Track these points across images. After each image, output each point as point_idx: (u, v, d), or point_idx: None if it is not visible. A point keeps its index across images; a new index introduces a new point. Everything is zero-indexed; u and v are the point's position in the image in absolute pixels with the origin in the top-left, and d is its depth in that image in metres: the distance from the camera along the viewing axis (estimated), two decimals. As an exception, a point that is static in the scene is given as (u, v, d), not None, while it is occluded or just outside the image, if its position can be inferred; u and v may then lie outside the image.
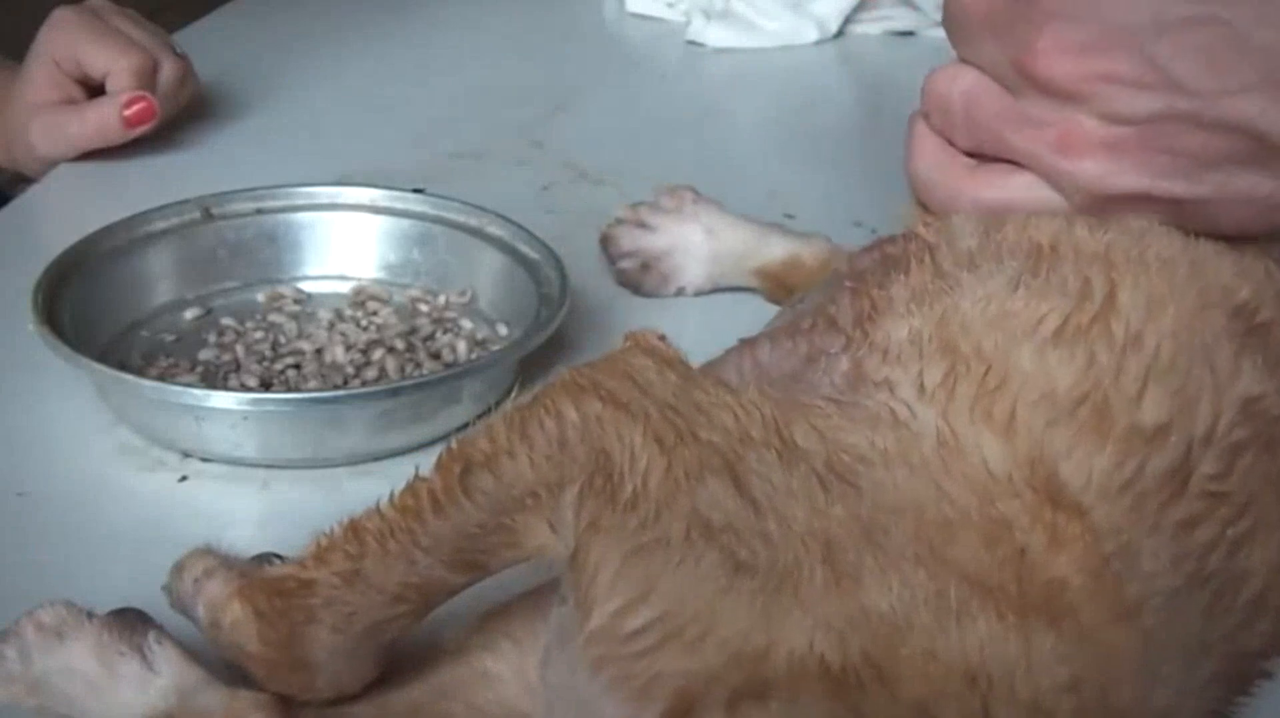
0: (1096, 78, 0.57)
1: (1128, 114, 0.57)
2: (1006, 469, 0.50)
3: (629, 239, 0.88)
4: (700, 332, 0.62)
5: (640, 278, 0.88)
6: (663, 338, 0.54)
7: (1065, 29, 0.57)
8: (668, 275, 0.87)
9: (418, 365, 0.79)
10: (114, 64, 1.00)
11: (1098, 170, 0.59)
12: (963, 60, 0.63)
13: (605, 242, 0.89)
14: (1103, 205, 0.60)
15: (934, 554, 0.47)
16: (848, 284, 0.60)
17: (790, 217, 0.92)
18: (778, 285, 0.85)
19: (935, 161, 0.64)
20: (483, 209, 0.85)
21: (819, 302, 0.61)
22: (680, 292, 0.88)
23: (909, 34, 1.35)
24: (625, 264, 0.88)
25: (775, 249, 0.86)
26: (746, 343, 0.62)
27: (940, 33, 1.41)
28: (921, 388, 0.53)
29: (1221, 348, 0.55)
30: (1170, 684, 0.50)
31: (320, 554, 0.52)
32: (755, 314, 0.78)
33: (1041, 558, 0.48)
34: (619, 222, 0.89)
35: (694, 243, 0.87)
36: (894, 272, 0.59)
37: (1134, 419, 0.52)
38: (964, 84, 0.62)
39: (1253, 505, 0.53)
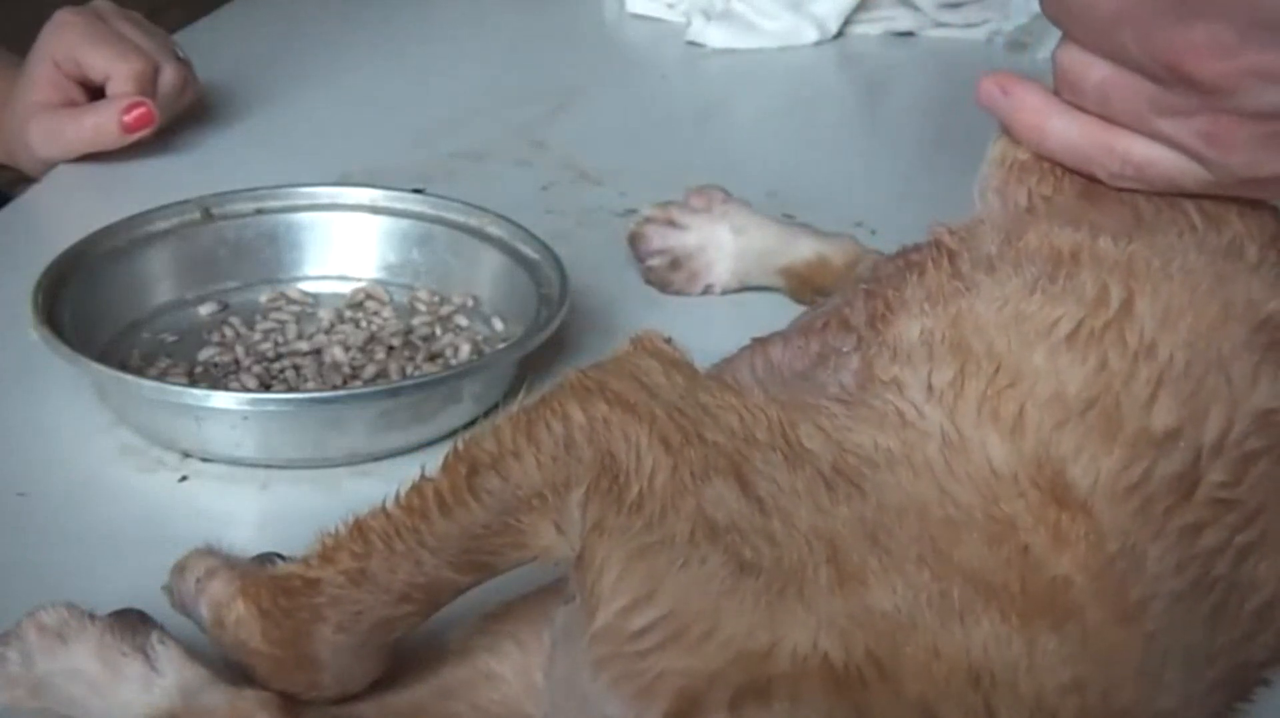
0: (1247, 73, 0.57)
1: (1278, 107, 0.58)
2: (1012, 469, 0.50)
3: (659, 237, 0.88)
4: (709, 333, 0.61)
5: (669, 276, 0.88)
6: (669, 340, 0.54)
7: (1216, 27, 0.57)
8: (696, 273, 0.88)
9: (417, 366, 0.79)
10: (114, 68, 1.00)
11: (1246, 159, 0.60)
12: (1087, 47, 0.62)
13: (634, 239, 0.89)
14: (1247, 186, 0.61)
15: (938, 554, 0.47)
16: (864, 287, 0.60)
17: (790, 217, 0.92)
18: (804, 285, 0.85)
19: (1079, 126, 0.64)
20: (483, 209, 0.85)
21: (836, 303, 0.62)
22: (708, 289, 0.88)
23: (909, 34, 1.35)
24: (654, 262, 0.88)
25: (803, 249, 0.86)
26: (760, 342, 0.62)
27: (940, 33, 1.42)
28: (930, 388, 0.53)
29: (1240, 359, 0.55)
30: (1174, 689, 0.50)
31: (326, 553, 0.52)
32: (756, 316, 0.78)
33: (1044, 557, 0.48)
34: (648, 220, 0.89)
35: (723, 241, 0.87)
36: (910, 273, 0.59)
37: (1143, 424, 0.52)
38: (1098, 77, 0.62)
39: (1263, 515, 0.53)
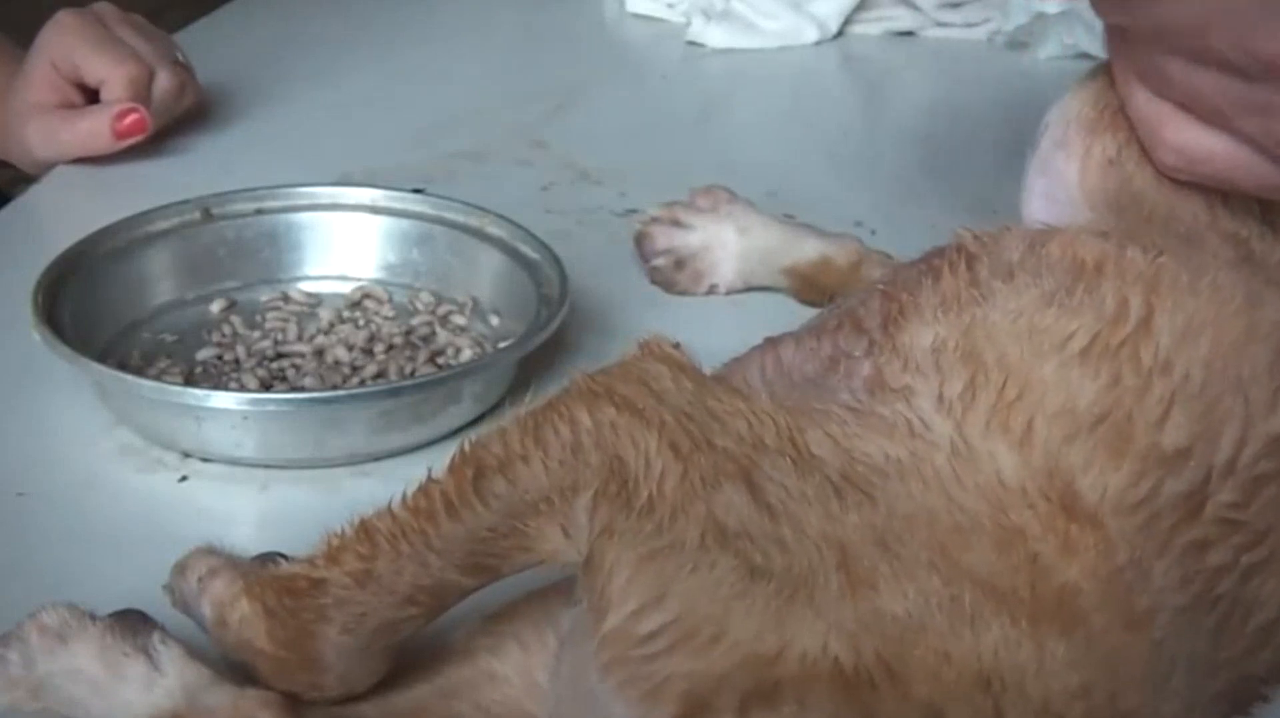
0: None
1: None
2: (1020, 481, 0.50)
3: (664, 237, 0.88)
4: (710, 333, 0.61)
5: (674, 276, 0.88)
6: (677, 344, 0.54)
7: None
8: (701, 273, 0.88)
9: (417, 366, 0.79)
10: (110, 73, 1.00)
11: None
12: (1168, 52, 0.61)
13: (640, 239, 0.89)
14: None
15: (947, 560, 0.47)
16: (880, 288, 0.60)
17: (790, 216, 0.92)
18: (808, 285, 0.86)
19: (1144, 101, 0.64)
20: (483, 209, 0.85)
21: (850, 304, 0.61)
22: (712, 289, 0.88)
23: (909, 34, 1.35)
24: (659, 262, 0.88)
25: (807, 249, 0.86)
26: (771, 341, 0.62)
27: (940, 33, 1.42)
28: (940, 398, 0.53)
29: (1260, 383, 0.54)
30: (1179, 695, 0.50)
31: (332, 554, 0.51)
32: (757, 317, 0.77)
33: (1053, 565, 0.48)
34: (654, 220, 0.89)
35: (728, 241, 0.87)
36: (927, 278, 0.59)
37: (1154, 440, 0.51)
38: (1178, 70, 0.61)
39: (1271, 536, 0.53)
